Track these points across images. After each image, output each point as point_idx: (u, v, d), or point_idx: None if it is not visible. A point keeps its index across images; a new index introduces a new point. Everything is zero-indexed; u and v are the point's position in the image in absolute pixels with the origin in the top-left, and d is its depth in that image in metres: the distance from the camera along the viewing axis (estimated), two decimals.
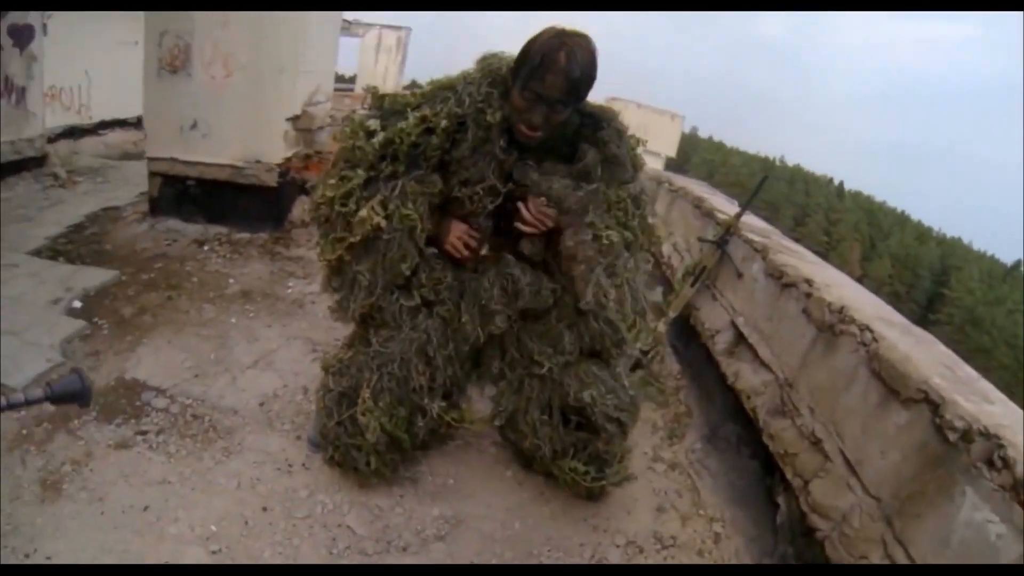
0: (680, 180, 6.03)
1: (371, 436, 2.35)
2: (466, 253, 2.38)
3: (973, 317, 43.96)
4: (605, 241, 2.18)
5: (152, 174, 4.98)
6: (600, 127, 2.26)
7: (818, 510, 2.19)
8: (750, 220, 3.95)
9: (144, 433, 2.63)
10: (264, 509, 2.37)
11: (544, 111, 2.06)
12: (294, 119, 5.08)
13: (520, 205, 2.25)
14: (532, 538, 2.48)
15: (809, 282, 2.73)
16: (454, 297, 2.42)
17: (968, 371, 2.18)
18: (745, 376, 3.04)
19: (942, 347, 2.37)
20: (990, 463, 1.67)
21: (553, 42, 2.00)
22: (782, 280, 2.95)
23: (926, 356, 2.16)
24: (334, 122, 5.66)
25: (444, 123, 2.18)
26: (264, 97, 4.82)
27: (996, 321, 42.85)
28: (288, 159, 5.10)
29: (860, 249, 47.83)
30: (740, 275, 3.47)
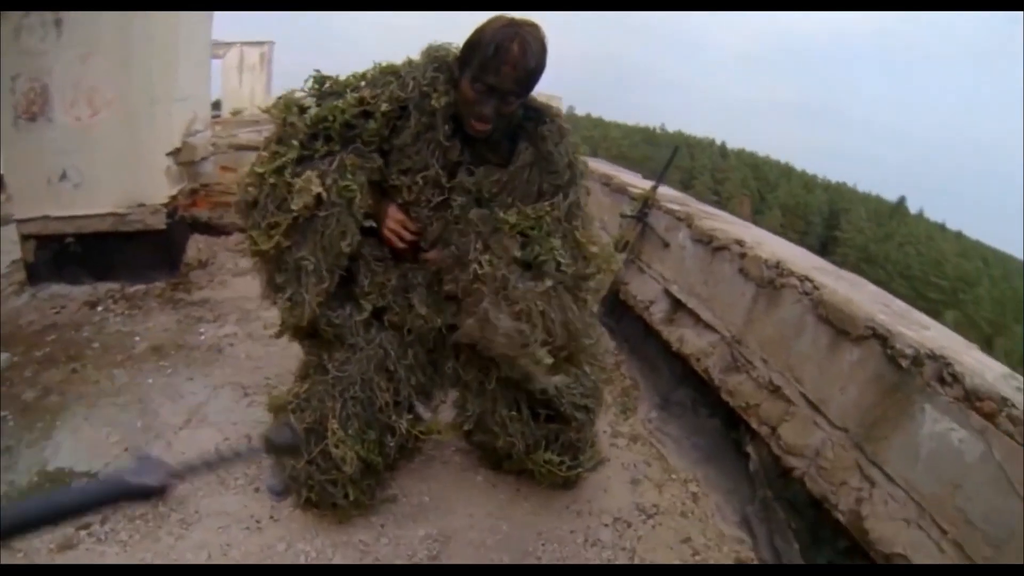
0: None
1: (349, 468, 2.22)
2: (401, 245, 2.24)
3: (867, 255, 46.38)
4: (486, 269, 2.06)
5: (23, 237, 4.28)
6: (542, 122, 2.18)
7: (791, 451, 2.37)
8: (664, 191, 4.10)
9: (87, 527, 2.28)
10: None
11: (495, 103, 1.98)
12: (174, 153, 4.61)
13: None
14: (523, 537, 2.48)
15: (740, 243, 2.92)
16: (401, 298, 2.29)
17: (901, 304, 2.42)
18: (690, 340, 3.21)
19: (872, 286, 2.60)
20: (942, 380, 1.89)
21: (506, 31, 1.91)
22: (712, 244, 3.13)
23: (864, 296, 2.38)
24: (217, 150, 5.27)
25: (384, 107, 2.07)
26: (138, 133, 4.27)
27: (889, 255, 45.34)
28: (174, 197, 4.62)
29: (750, 203, 49.51)
30: (666, 244, 3.63)
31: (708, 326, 3.10)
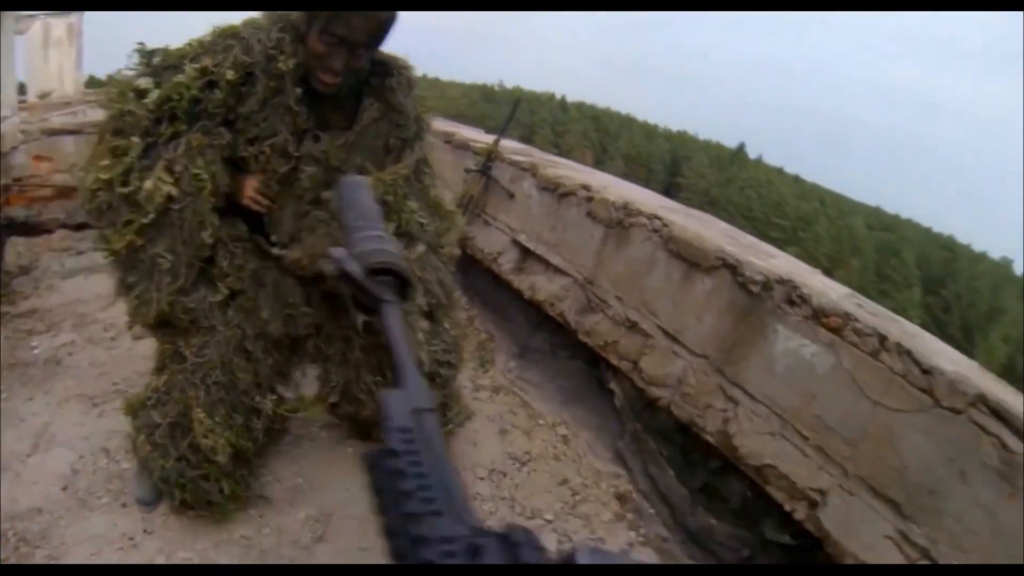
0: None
1: (222, 457, 2.08)
2: (265, 204, 2.09)
3: (710, 199, 48.80)
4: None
5: None
6: (390, 74, 2.10)
7: (654, 382, 2.49)
8: (507, 144, 4.11)
9: None
10: None
11: (345, 56, 1.88)
12: None
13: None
14: None
15: (587, 187, 2.99)
16: (253, 288, 2.16)
17: (749, 237, 2.58)
18: (542, 286, 3.27)
19: (721, 222, 2.75)
20: (791, 302, 2.04)
21: None
22: (558, 191, 3.18)
23: (712, 231, 2.51)
24: (28, 138, 4.43)
25: (230, 74, 1.91)
26: None
27: (731, 199, 48.02)
28: None
29: (592, 154, 50.50)
30: (511, 195, 3.66)
31: (559, 271, 3.16)
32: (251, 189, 2.06)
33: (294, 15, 1.95)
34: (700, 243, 2.35)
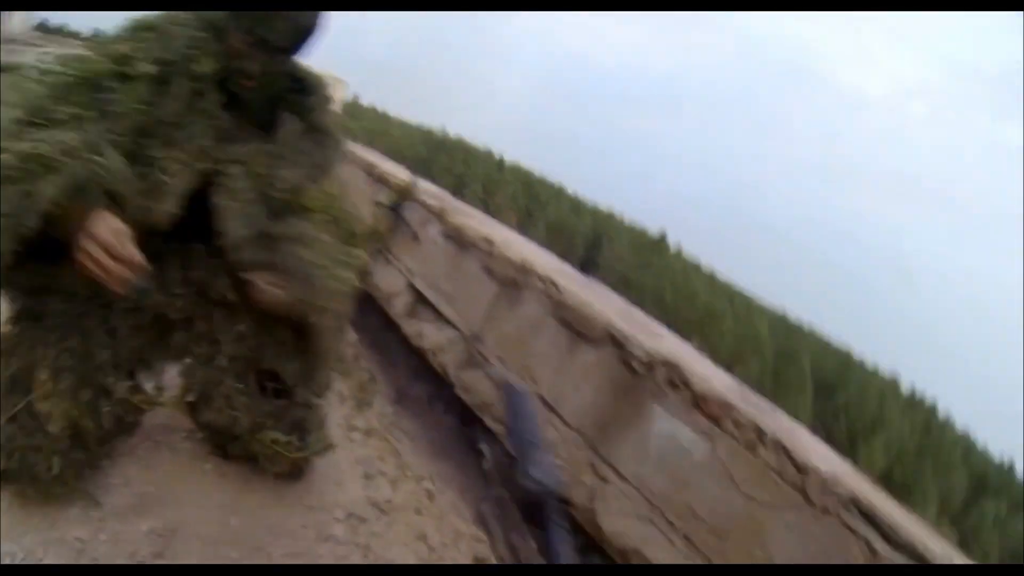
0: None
1: (55, 427, 1.87)
2: (110, 270, 1.62)
3: (625, 280, 50.25)
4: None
5: None
6: (309, 92, 2.03)
7: None
8: (424, 185, 4.06)
9: None
10: None
11: (264, 59, 1.80)
12: None
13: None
14: (253, 532, 2.25)
15: (489, 241, 2.93)
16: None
17: (641, 315, 2.55)
18: (429, 335, 3.17)
19: (616, 295, 2.72)
20: (672, 384, 2.00)
21: None
22: (461, 240, 3.12)
23: (605, 303, 2.48)
24: None
25: (147, 68, 1.72)
26: None
27: (646, 283, 49.58)
28: None
29: (516, 216, 51.21)
30: (416, 237, 3.59)
31: (449, 322, 3.08)
32: (106, 232, 1.64)
33: (216, 13, 1.82)
34: (589, 313, 2.31)
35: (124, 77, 1.73)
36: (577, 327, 2.33)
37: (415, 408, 3.25)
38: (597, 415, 2.20)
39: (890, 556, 1.59)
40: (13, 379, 1.89)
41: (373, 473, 2.79)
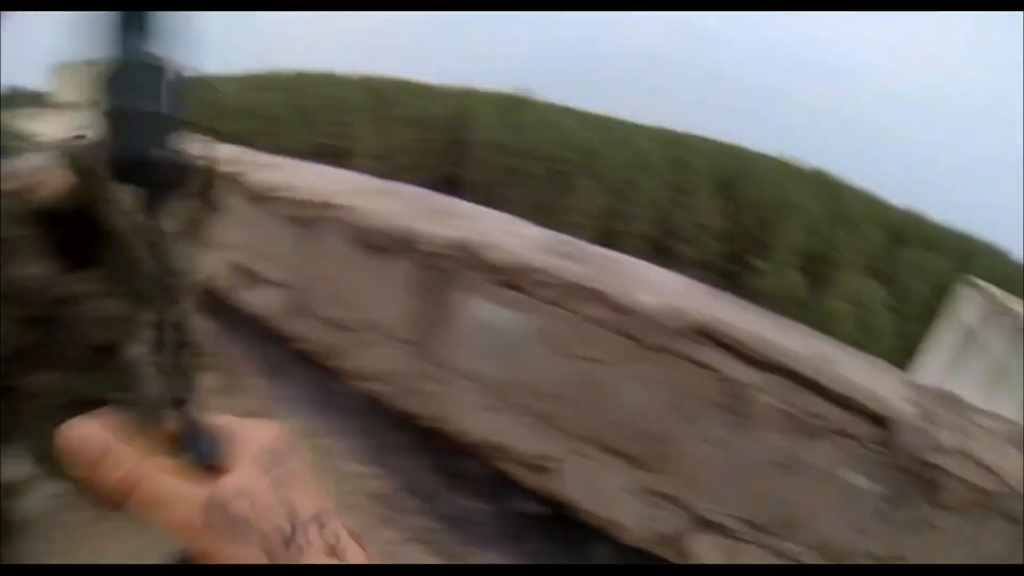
0: None
1: None
2: None
3: (499, 147, 48.62)
4: None
5: None
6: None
7: (371, 377, 2.35)
8: (228, 152, 3.76)
9: None
10: None
11: None
12: None
13: None
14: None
15: (287, 188, 2.73)
16: None
17: (447, 202, 2.40)
18: (259, 300, 3.02)
19: (416, 190, 2.55)
20: (472, 267, 1.88)
21: None
22: (263, 197, 2.91)
23: (406, 206, 2.32)
24: None
25: None
26: None
27: (519, 142, 48.33)
28: None
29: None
30: (225, 210, 3.34)
31: (272, 281, 2.92)
32: None
33: None
34: (384, 226, 2.15)
35: None
36: (377, 243, 2.17)
37: (287, 372, 3.13)
38: (419, 323, 2.08)
39: (752, 379, 1.52)
40: None
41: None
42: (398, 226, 2.10)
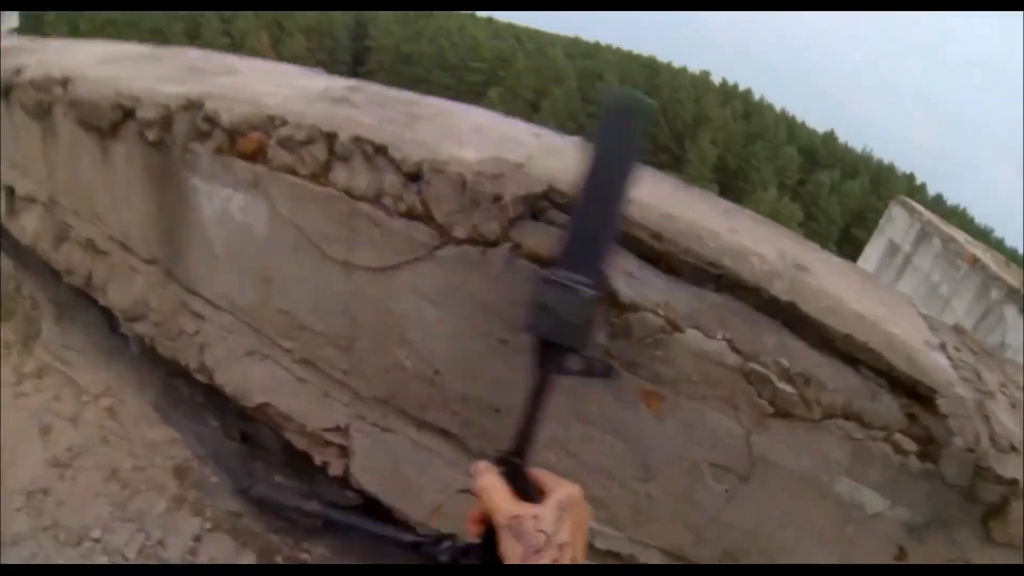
0: None
1: None
2: None
3: (401, 55, 47.94)
4: None
5: None
6: None
7: (129, 315, 1.73)
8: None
9: None
10: None
11: None
12: None
13: None
14: None
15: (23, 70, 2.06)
16: None
17: (216, 58, 1.75)
18: (27, 224, 2.37)
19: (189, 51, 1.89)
20: (201, 134, 1.26)
21: None
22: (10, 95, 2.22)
23: (164, 69, 1.65)
24: None
25: None
26: None
27: (423, 52, 47.77)
28: None
29: (268, 35, 47.22)
30: None
31: (31, 197, 2.24)
32: None
33: None
34: (100, 96, 1.49)
35: None
36: (97, 123, 1.52)
37: (77, 315, 2.54)
38: (159, 230, 1.46)
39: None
40: None
41: (50, 422, 2.24)
42: (116, 90, 1.44)
